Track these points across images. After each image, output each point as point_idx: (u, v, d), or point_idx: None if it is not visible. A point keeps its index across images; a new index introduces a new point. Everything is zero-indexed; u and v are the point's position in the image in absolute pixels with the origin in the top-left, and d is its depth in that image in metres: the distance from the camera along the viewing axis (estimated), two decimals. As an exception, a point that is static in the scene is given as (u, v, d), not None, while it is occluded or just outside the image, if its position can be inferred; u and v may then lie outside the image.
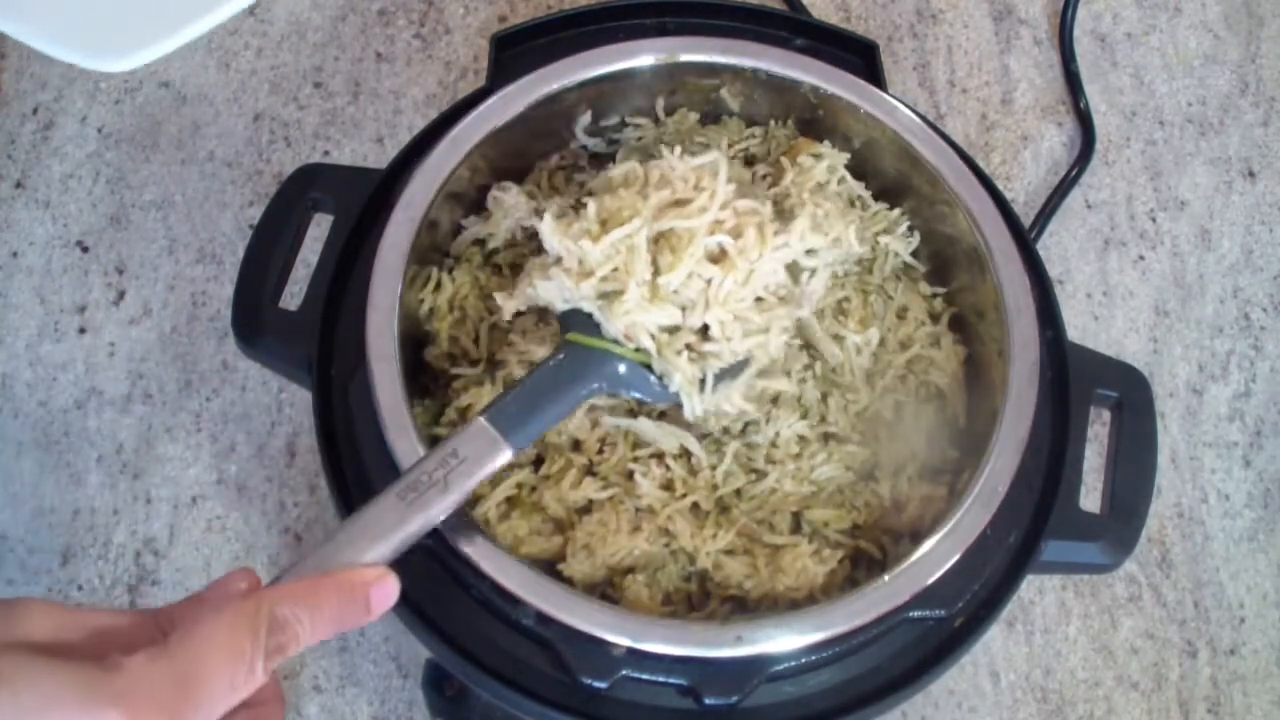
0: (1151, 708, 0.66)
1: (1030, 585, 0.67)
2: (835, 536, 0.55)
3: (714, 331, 0.50)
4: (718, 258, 0.50)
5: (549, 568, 0.51)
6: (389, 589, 0.43)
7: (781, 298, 0.52)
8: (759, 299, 0.51)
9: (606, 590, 0.52)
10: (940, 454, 0.56)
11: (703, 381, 0.51)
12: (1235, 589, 0.70)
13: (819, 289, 0.54)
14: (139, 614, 0.39)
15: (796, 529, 0.55)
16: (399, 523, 0.44)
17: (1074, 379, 0.56)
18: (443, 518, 0.45)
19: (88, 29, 0.39)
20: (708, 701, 0.47)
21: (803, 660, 0.48)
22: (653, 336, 0.50)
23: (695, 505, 0.54)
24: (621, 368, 0.50)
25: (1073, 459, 0.54)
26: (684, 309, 0.50)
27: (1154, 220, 0.81)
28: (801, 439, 0.56)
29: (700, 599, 0.53)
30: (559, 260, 0.51)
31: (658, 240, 0.50)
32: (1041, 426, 0.53)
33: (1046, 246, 0.78)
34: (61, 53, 0.39)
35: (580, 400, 0.50)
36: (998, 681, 0.66)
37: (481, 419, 0.46)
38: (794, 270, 0.53)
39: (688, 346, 0.50)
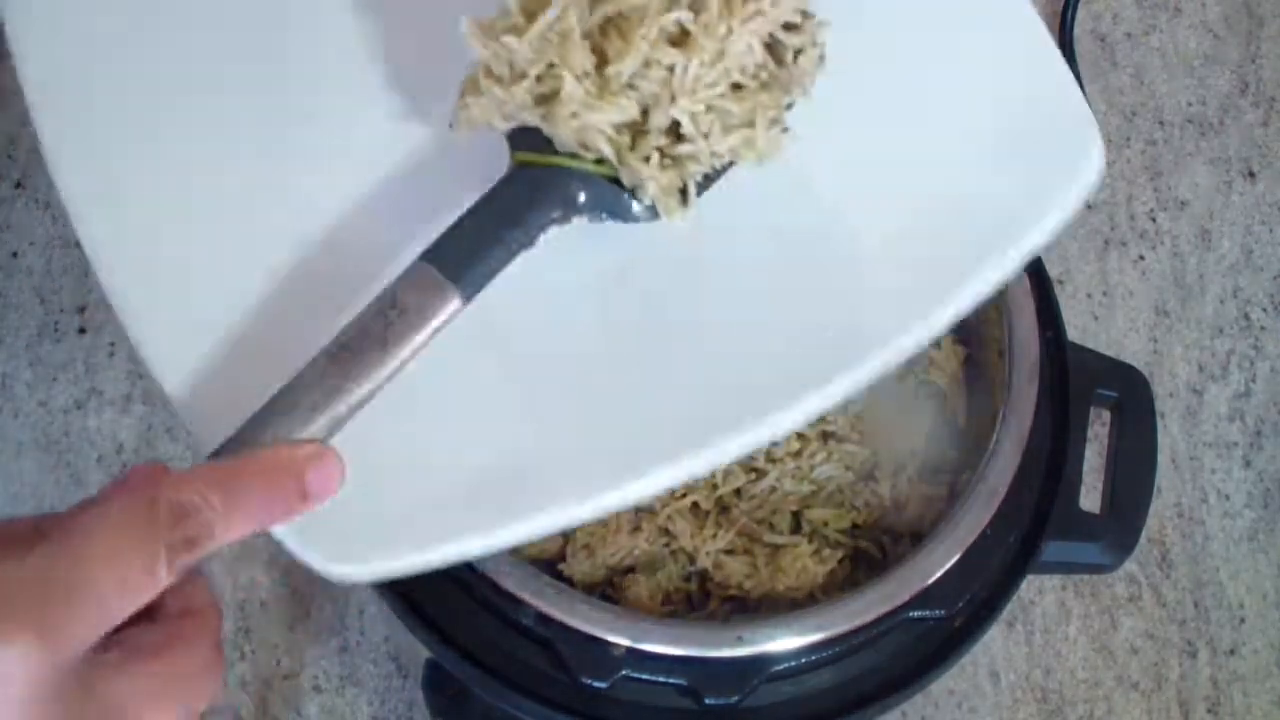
0: (1151, 708, 0.66)
1: (1030, 585, 0.67)
2: (835, 536, 0.54)
3: (686, 129, 0.42)
4: (678, 40, 0.42)
5: (549, 568, 0.51)
6: (328, 467, 0.35)
7: (764, 82, 0.43)
8: (736, 86, 0.43)
9: (606, 590, 0.52)
10: (940, 454, 0.56)
11: (683, 191, 0.42)
12: (1235, 589, 0.70)
13: (809, 67, 0.44)
14: (13, 520, 0.33)
15: (796, 529, 0.55)
16: (334, 390, 0.36)
17: (1074, 379, 0.56)
18: (384, 380, 0.37)
19: (342, 528, 0.38)
20: (708, 701, 0.47)
21: (803, 660, 0.48)
22: (610, 140, 0.42)
23: (695, 505, 0.54)
24: (581, 187, 0.41)
25: (1073, 459, 0.54)
26: (647, 108, 0.42)
27: (1154, 220, 0.81)
28: (801, 438, 0.56)
29: (700, 599, 0.53)
30: (488, 69, 0.43)
31: (605, 29, 0.43)
32: (1041, 426, 0.53)
33: (1046, 246, 0.78)
34: (298, 545, 0.38)
35: (538, 230, 0.41)
36: (998, 681, 0.66)
37: (421, 260, 0.38)
38: (777, 52, 0.45)
39: (659, 151, 0.42)
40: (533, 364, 0.41)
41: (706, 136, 0.41)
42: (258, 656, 0.64)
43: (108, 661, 0.31)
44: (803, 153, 0.43)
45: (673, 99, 0.41)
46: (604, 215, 0.42)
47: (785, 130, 0.42)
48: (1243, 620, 0.69)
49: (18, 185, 0.75)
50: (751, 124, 0.42)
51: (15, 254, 0.73)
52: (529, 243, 0.40)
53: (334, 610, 0.65)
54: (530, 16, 0.41)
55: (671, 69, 0.41)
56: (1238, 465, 0.73)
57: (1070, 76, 0.45)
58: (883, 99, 0.44)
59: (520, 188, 0.41)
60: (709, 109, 0.42)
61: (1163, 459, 0.71)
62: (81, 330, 0.71)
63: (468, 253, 0.39)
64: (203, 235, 0.41)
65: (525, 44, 0.41)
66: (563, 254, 0.41)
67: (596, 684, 0.47)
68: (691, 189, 0.42)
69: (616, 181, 0.42)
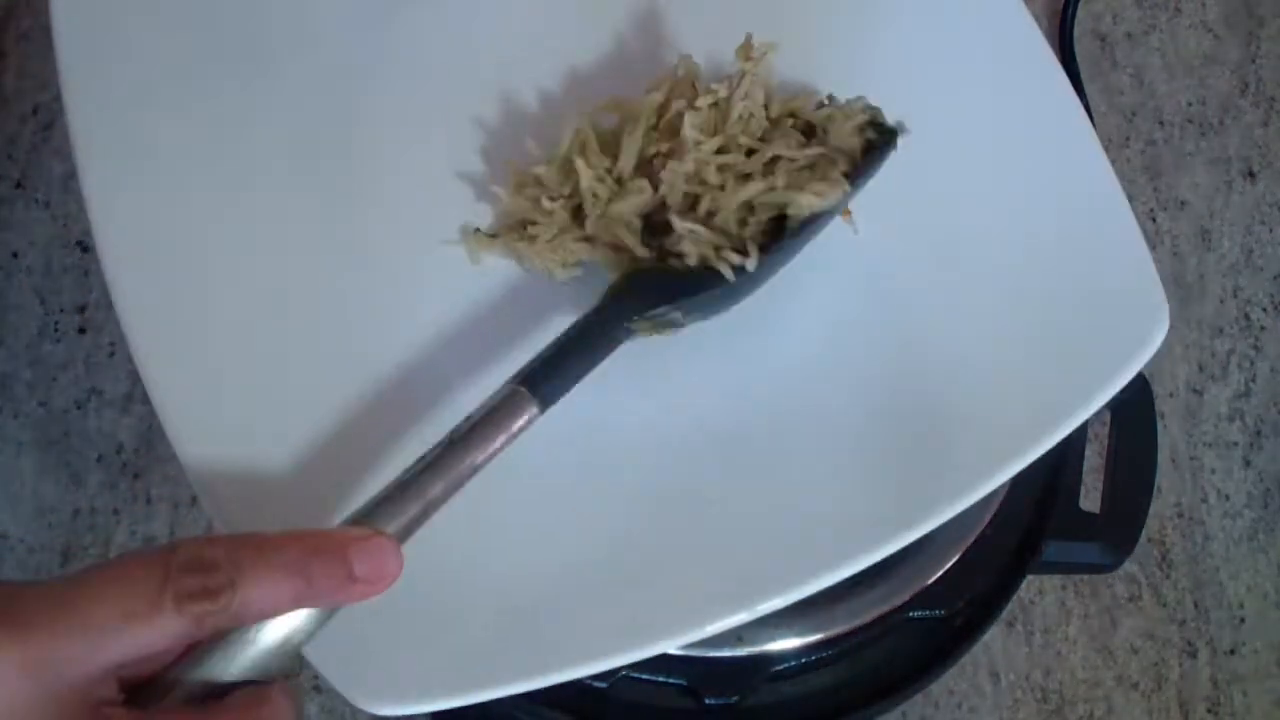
0: (1151, 708, 0.66)
1: (1030, 585, 0.67)
2: None
3: (709, 179, 0.42)
4: (674, 123, 0.43)
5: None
6: (381, 554, 0.33)
7: (808, 162, 0.43)
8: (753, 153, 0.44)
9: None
10: None
11: (726, 246, 0.42)
12: (1235, 589, 0.70)
13: (846, 136, 0.44)
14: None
15: None
16: (414, 491, 0.36)
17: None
18: (463, 480, 0.37)
19: (379, 665, 0.38)
20: (708, 701, 0.47)
21: (803, 660, 0.48)
22: (640, 231, 0.43)
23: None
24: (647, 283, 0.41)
25: (1073, 459, 0.54)
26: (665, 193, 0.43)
27: (1154, 220, 0.81)
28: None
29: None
30: (522, 221, 0.44)
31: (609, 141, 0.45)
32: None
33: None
34: (335, 675, 0.38)
35: (617, 338, 0.41)
36: (998, 681, 0.66)
37: (512, 383, 0.39)
38: (814, 131, 0.45)
39: (698, 222, 0.42)
40: (584, 515, 0.41)
41: (722, 188, 0.42)
42: (258, 656, 0.64)
43: (115, 702, 0.30)
44: (874, 309, 0.44)
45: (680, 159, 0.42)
46: (682, 314, 0.42)
47: (843, 184, 0.42)
48: (1243, 620, 0.69)
49: (18, 185, 0.75)
50: (771, 173, 0.42)
51: (15, 254, 0.73)
52: (607, 351, 0.41)
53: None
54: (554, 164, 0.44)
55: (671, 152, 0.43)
56: (1238, 465, 0.73)
57: (1143, 244, 0.45)
58: (952, 257, 0.45)
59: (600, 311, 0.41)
60: (721, 169, 0.42)
61: (1163, 459, 0.71)
62: (81, 330, 0.71)
63: (554, 372, 0.39)
64: (259, 344, 0.41)
65: (552, 170, 0.44)
66: (622, 407, 0.42)
67: (596, 684, 0.47)
68: (751, 249, 0.41)
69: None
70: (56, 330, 0.71)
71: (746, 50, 0.44)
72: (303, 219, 0.42)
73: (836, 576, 0.40)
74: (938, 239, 0.44)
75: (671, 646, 0.39)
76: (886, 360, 0.43)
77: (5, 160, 0.76)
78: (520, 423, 0.37)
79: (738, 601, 0.39)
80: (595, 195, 0.43)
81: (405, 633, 0.38)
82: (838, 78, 0.45)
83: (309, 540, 0.33)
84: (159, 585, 0.30)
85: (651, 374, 0.43)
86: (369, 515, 0.34)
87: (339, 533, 0.33)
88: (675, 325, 0.42)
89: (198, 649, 0.32)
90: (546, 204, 0.43)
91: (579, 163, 0.42)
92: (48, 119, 0.77)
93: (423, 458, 0.36)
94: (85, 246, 0.73)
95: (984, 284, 0.44)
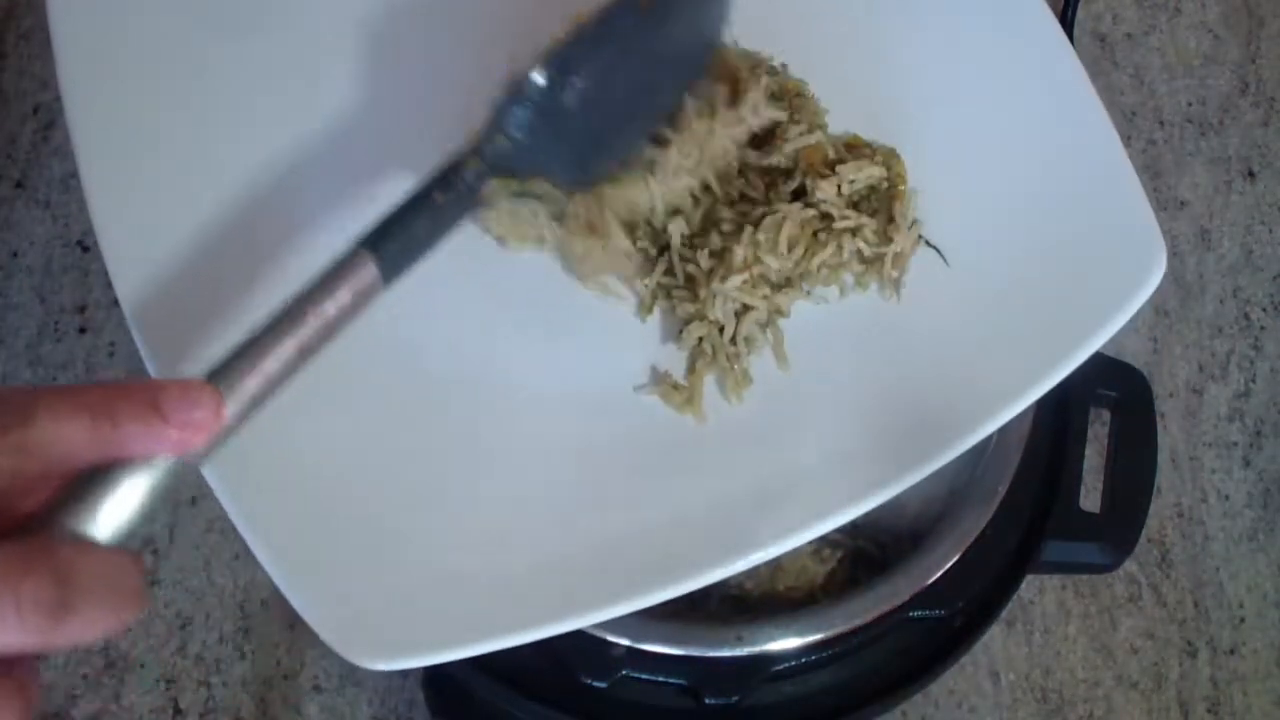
0: (1151, 708, 0.66)
1: (1030, 585, 0.67)
2: (835, 536, 0.54)
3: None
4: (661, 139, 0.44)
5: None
6: (195, 394, 0.31)
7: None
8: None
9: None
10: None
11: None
12: (1235, 589, 0.70)
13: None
14: None
15: None
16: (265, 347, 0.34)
17: (1074, 379, 0.56)
18: (306, 346, 0.34)
19: (367, 623, 0.38)
20: (708, 701, 0.47)
21: (803, 660, 0.48)
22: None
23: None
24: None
25: (1073, 459, 0.54)
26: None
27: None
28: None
29: (700, 599, 0.53)
30: None
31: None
32: (1041, 426, 0.53)
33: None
34: (325, 630, 0.38)
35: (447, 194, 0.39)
36: (997, 681, 0.66)
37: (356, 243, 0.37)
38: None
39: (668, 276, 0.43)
40: (580, 467, 0.42)
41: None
42: (258, 656, 0.64)
43: None
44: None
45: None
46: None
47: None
48: (1243, 620, 0.69)
49: (18, 185, 0.75)
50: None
51: (15, 254, 0.73)
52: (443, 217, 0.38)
53: (334, 610, 0.65)
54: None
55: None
56: (1238, 465, 0.73)
57: (1138, 185, 0.46)
58: (944, 199, 0.45)
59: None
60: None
61: (1163, 459, 0.71)
62: (81, 330, 0.71)
63: (395, 230, 0.36)
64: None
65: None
66: (605, 364, 0.43)
67: (596, 684, 0.47)
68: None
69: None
70: (56, 330, 0.71)
71: None
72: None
73: (839, 520, 0.41)
74: (929, 186, 0.45)
75: (666, 596, 0.39)
76: (879, 308, 0.43)
77: (5, 160, 0.76)
78: (356, 282, 0.34)
79: (732, 552, 0.39)
80: None
81: (397, 590, 0.38)
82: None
83: (117, 385, 0.31)
84: None
85: (631, 333, 0.43)
86: (213, 374, 0.33)
87: (152, 380, 0.32)
88: (518, 171, 0.39)
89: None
90: None
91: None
92: (48, 119, 0.77)
93: (260, 328, 0.34)
94: (85, 246, 0.73)
95: (979, 228, 0.45)
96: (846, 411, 0.43)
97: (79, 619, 0.28)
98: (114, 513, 0.31)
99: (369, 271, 0.35)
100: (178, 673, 0.63)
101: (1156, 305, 0.77)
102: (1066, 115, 0.47)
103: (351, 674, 0.64)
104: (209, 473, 0.38)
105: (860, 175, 0.44)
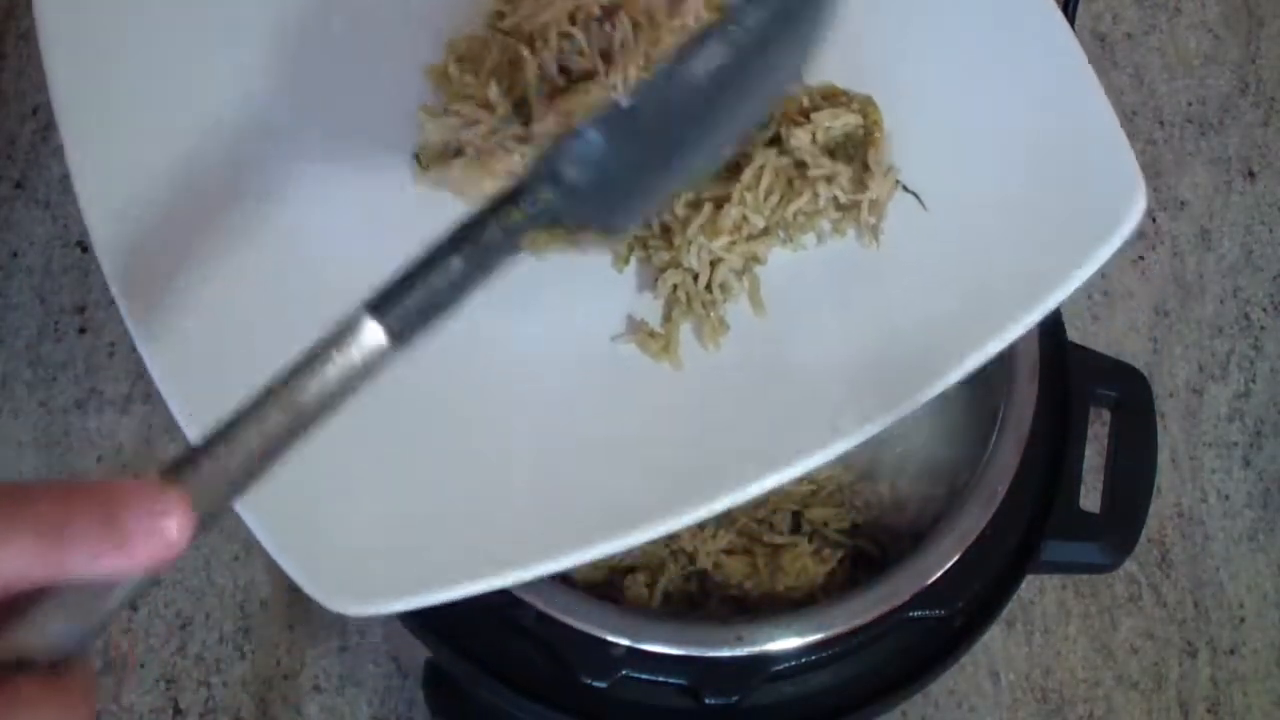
0: (1151, 708, 0.66)
1: (1030, 585, 0.67)
2: (835, 536, 0.54)
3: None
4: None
5: (549, 568, 0.51)
6: (161, 507, 0.27)
7: None
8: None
9: (607, 590, 0.52)
10: (940, 454, 0.56)
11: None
12: (1235, 589, 0.70)
13: None
14: None
15: (796, 529, 0.55)
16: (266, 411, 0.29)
17: (1074, 379, 0.56)
18: (303, 420, 0.30)
19: (344, 560, 0.38)
20: (708, 701, 0.47)
21: (803, 660, 0.48)
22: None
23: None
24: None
25: (1073, 459, 0.54)
26: None
27: (1154, 220, 0.81)
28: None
29: (700, 599, 0.53)
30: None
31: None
32: (1041, 426, 0.53)
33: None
34: (299, 573, 0.37)
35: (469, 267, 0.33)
36: (998, 681, 0.66)
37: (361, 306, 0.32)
38: None
39: None
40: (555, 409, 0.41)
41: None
42: (258, 656, 0.64)
43: None
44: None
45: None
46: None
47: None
48: (1243, 620, 0.69)
49: (18, 185, 0.75)
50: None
51: (15, 254, 0.73)
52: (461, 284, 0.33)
53: (334, 610, 0.65)
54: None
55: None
56: (1238, 465, 0.73)
57: (1116, 122, 0.45)
58: (922, 140, 0.45)
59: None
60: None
61: (1163, 459, 0.71)
62: (81, 330, 0.71)
63: (405, 292, 0.31)
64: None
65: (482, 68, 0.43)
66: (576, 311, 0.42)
67: (596, 684, 0.47)
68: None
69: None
70: (56, 330, 0.71)
71: None
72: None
73: (822, 458, 0.41)
74: (905, 131, 0.45)
75: (646, 538, 0.39)
76: (857, 254, 0.44)
77: (5, 160, 0.76)
78: (356, 349, 0.30)
79: (711, 492, 0.39)
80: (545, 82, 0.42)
81: (372, 535, 0.38)
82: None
83: (71, 492, 0.26)
84: None
85: (608, 284, 0.44)
86: (183, 465, 0.28)
87: (112, 484, 0.27)
88: (564, 221, 0.34)
89: None
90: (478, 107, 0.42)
91: (524, 51, 0.41)
92: (48, 119, 0.77)
93: (251, 397, 0.29)
94: (85, 246, 0.73)
95: (956, 170, 0.45)
96: (826, 354, 0.42)
97: None
98: (59, 633, 0.26)
99: (374, 337, 0.30)
100: (178, 673, 0.63)
101: (1156, 305, 0.77)
102: (1040, 53, 0.47)
103: (352, 674, 0.64)
104: (182, 419, 0.38)
105: (836, 123, 0.44)
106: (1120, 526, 0.54)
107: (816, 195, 0.43)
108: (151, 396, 0.69)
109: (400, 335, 0.30)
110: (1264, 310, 0.78)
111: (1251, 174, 0.83)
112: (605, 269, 0.44)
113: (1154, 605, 0.69)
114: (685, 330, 0.43)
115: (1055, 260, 0.43)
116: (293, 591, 0.65)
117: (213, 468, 0.28)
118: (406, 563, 0.38)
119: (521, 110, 0.43)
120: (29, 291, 0.72)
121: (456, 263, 0.31)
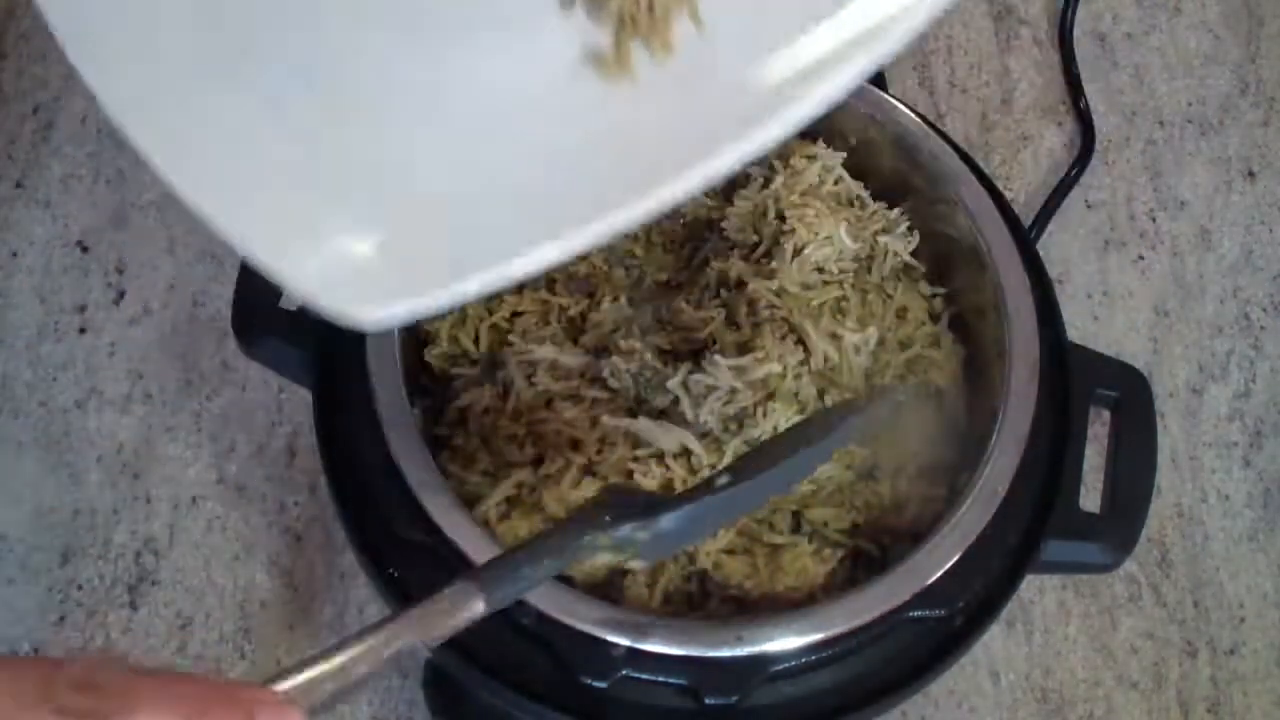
0: (1151, 707, 0.66)
1: (1030, 585, 0.67)
2: (835, 536, 0.54)
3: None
4: None
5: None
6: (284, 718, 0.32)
7: None
8: None
9: (607, 590, 0.52)
10: (940, 454, 0.56)
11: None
12: (1235, 589, 0.70)
13: None
14: None
15: (796, 528, 0.55)
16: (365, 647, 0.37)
17: (1074, 379, 0.56)
18: (394, 661, 0.38)
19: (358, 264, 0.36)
20: (708, 701, 0.47)
21: (803, 660, 0.48)
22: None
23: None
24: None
25: (1073, 459, 0.54)
26: None
27: (1154, 220, 0.81)
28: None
29: (700, 599, 0.53)
30: None
31: None
32: (1041, 426, 0.53)
33: (1046, 246, 0.78)
34: (307, 284, 0.35)
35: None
36: (997, 681, 0.66)
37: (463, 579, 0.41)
38: None
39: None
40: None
41: None
42: (258, 656, 0.64)
43: None
44: None
45: None
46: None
47: None
48: (1243, 620, 0.69)
49: (18, 185, 0.75)
50: None
51: (15, 254, 0.73)
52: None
53: (334, 610, 0.65)
54: None
55: None
56: (1238, 465, 0.73)
57: None
58: None
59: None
60: None
61: (1163, 459, 0.71)
62: (82, 330, 0.71)
63: (505, 573, 0.42)
64: None
65: None
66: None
67: (596, 684, 0.47)
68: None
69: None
70: (56, 330, 0.71)
71: None
72: None
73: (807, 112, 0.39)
74: None
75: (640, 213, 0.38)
76: None
77: (5, 160, 0.76)
78: (463, 615, 0.39)
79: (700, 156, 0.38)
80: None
81: (383, 238, 0.36)
82: None
83: (214, 686, 0.31)
84: (41, 693, 0.28)
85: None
86: (286, 679, 0.34)
87: (246, 687, 0.32)
88: (634, 550, 0.45)
89: None
90: None
91: None
92: (48, 119, 0.77)
93: (356, 633, 0.37)
94: (85, 246, 0.73)
95: None
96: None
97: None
98: None
99: (476, 603, 0.40)
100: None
101: (1156, 305, 0.77)
102: None
103: (351, 674, 0.64)
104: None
105: None
106: (1120, 526, 0.54)
107: None
108: (152, 396, 0.69)
109: (490, 605, 0.40)
110: (1264, 310, 0.78)
111: (1251, 174, 0.83)
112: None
113: (1154, 605, 0.69)
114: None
115: None
116: (293, 591, 0.65)
117: (314, 687, 0.34)
118: (410, 262, 0.36)
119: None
120: (29, 291, 0.72)
121: (549, 562, 0.42)
